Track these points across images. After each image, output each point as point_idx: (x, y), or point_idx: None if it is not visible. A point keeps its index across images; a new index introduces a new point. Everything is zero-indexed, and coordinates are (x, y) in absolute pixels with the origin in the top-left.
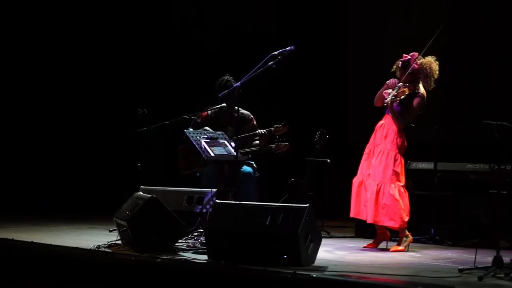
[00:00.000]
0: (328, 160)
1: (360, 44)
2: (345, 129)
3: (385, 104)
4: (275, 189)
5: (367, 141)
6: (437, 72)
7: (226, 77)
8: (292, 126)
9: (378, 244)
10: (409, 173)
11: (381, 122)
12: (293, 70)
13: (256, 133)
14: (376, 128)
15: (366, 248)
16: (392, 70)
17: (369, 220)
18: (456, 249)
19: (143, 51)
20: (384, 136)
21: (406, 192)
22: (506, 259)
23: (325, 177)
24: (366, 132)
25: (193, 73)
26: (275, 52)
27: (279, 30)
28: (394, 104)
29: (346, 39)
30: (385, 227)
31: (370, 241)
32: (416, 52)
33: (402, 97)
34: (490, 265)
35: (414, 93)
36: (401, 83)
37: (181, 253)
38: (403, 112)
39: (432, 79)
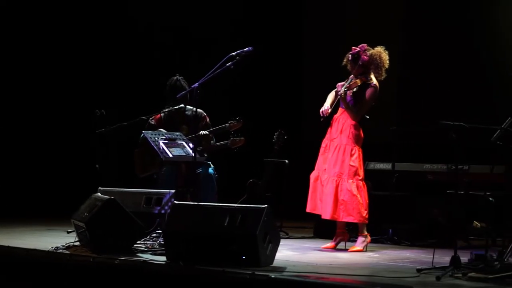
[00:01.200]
0: (287, 161)
1: (317, 44)
2: (302, 129)
3: (339, 96)
4: (234, 189)
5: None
6: (388, 62)
7: (176, 77)
8: (250, 127)
9: (337, 244)
10: (367, 173)
11: (336, 115)
12: (250, 71)
13: (199, 134)
14: (332, 122)
15: (324, 248)
16: (343, 63)
17: (327, 216)
18: (414, 249)
19: (100, 52)
20: (340, 130)
21: (365, 186)
22: (463, 259)
23: (284, 178)
24: (323, 133)
25: (151, 74)
26: (233, 53)
27: (237, 30)
28: (348, 96)
29: (303, 40)
30: (345, 228)
31: (329, 242)
32: (365, 44)
33: (355, 89)
34: (448, 265)
35: (366, 84)
36: (353, 76)
37: (139, 254)
38: (356, 104)
39: (383, 69)
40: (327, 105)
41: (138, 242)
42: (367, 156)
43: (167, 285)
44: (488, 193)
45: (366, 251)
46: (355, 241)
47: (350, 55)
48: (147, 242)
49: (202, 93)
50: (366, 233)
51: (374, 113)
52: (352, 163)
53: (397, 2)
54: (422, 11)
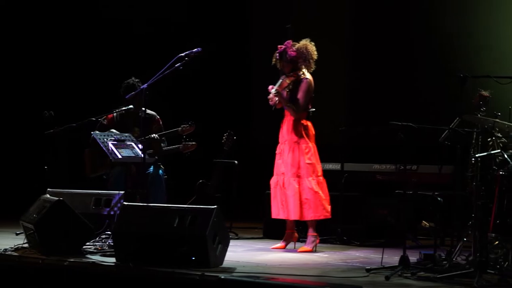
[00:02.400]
0: (236, 162)
1: (265, 46)
2: (251, 130)
3: (269, 100)
4: (183, 190)
5: (273, 142)
6: (315, 53)
7: (132, 79)
8: (200, 128)
9: (287, 245)
10: None
11: (284, 119)
12: (199, 72)
13: (150, 137)
14: (281, 126)
15: (274, 249)
16: (272, 63)
17: (293, 217)
18: (364, 249)
19: (49, 53)
20: (290, 131)
21: (325, 181)
22: (412, 258)
23: (233, 179)
24: (272, 133)
25: (100, 75)
26: (182, 54)
27: (186, 31)
28: (285, 95)
29: (250, 40)
30: (294, 228)
31: (278, 242)
32: (290, 40)
33: (290, 86)
34: (397, 264)
35: (299, 80)
36: (284, 75)
37: (89, 255)
38: (294, 100)
39: (311, 60)
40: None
41: (88, 243)
42: None
43: (117, 287)
44: (436, 193)
45: (315, 251)
46: (305, 241)
47: (277, 54)
48: (97, 243)
49: (152, 95)
50: (315, 233)
51: (323, 114)
52: (308, 161)
53: (345, 2)
54: (370, 11)
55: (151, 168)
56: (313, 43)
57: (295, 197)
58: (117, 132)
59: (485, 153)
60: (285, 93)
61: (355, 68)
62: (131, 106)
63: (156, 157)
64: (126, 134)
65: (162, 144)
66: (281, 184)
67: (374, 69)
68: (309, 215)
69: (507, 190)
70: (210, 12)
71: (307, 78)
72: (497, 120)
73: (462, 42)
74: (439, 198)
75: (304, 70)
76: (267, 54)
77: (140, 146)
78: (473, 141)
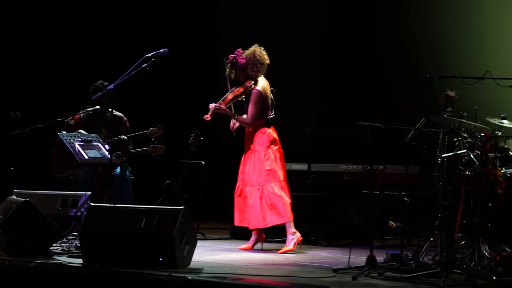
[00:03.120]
0: (203, 162)
1: (232, 46)
2: (219, 131)
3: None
4: (150, 191)
5: (240, 143)
6: (266, 57)
7: (100, 81)
8: (167, 129)
9: (254, 245)
10: None
11: (246, 129)
12: (166, 72)
13: (119, 138)
14: (244, 136)
15: (241, 249)
16: (226, 74)
17: (260, 226)
18: (331, 249)
19: (15, 53)
20: (249, 141)
21: (287, 184)
22: (379, 258)
23: (200, 179)
24: (238, 134)
25: (67, 75)
26: (149, 54)
27: (152, 32)
28: (245, 107)
29: (217, 40)
30: (261, 228)
31: (246, 243)
32: (240, 48)
33: (243, 98)
34: (364, 264)
35: (248, 91)
36: (233, 88)
37: (55, 257)
38: (247, 109)
39: (261, 65)
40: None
41: (54, 244)
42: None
43: None
44: (403, 193)
45: (299, 248)
46: (272, 241)
47: (228, 64)
48: (63, 244)
49: (118, 96)
50: (294, 230)
51: (290, 115)
52: (268, 167)
53: (312, 3)
54: (337, 13)
55: (118, 169)
56: (262, 48)
57: (257, 206)
58: (84, 133)
59: (451, 153)
60: (245, 107)
61: (322, 68)
62: (98, 107)
63: (123, 158)
64: (93, 135)
65: (129, 146)
66: (238, 193)
67: (340, 70)
68: (275, 221)
69: (473, 190)
70: (177, 12)
71: (256, 89)
72: (463, 120)
73: (428, 43)
74: (405, 198)
75: (259, 79)
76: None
77: (107, 147)
78: (439, 141)
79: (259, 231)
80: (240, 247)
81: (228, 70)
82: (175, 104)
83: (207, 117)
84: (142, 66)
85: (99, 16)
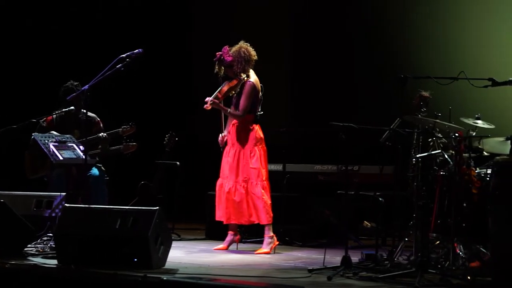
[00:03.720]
0: (178, 163)
1: (205, 46)
2: (193, 131)
3: (206, 107)
4: (125, 192)
5: (215, 143)
6: (253, 53)
7: (70, 82)
8: (141, 129)
9: (229, 245)
10: None
11: (232, 122)
12: (140, 73)
13: (98, 136)
14: (230, 129)
15: (216, 250)
16: (214, 71)
17: (243, 222)
18: (306, 250)
19: None
20: (236, 135)
21: (269, 186)
22: (354, 258)
23: (175, 180)
24: (213, 134)
25: (41, 76)
26: (123, 55)
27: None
28: (233, 103)
29: (191, 41)
30: (237, 229)
31: (221, 243)
32: (226, 45)
33: (237, 90)
34: (338, 264)
35: (242, 83)
36: (226, 81)
37: (30, 258)
38: (239, 103)
39: (247, 61)
40: (222, 135)
41: (29, 245)
42: None
43: None
44: (377, 193)
45: (274, 253)
46: (247, 242)
47: (216, 61)
48: (38, 245)
49: (92, 96)
50: (272, 234)
51: (265, 115)
52: (252, 166)
53: (286, 4)
54: (311, 14)
55: (93, 170)
56: (247, 44)
57: (241, 202)
58: (58, 134)
59: (425, 154)
60: (234, 101)
61: (296, 69)
62: (72, 108)
63: (97, 159)
64: (67, 136)
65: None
66: (225, 188)
67: (315, 70)
68: (255, 220)
69: (448, 190)
70: (150, 12)
71: (250, 81)
72: (438, 120)
73: (402, 43)
74: (380, 199)
75: (251, 73)
76: (207, 55)
77: (81, 147)
78: (414, 142)
79: (235, 231)
80: (215, 247)
81: (216, 68)
82: (149, 105)
83: (208, 107)
84: (117, 66)
85: (72, 17)
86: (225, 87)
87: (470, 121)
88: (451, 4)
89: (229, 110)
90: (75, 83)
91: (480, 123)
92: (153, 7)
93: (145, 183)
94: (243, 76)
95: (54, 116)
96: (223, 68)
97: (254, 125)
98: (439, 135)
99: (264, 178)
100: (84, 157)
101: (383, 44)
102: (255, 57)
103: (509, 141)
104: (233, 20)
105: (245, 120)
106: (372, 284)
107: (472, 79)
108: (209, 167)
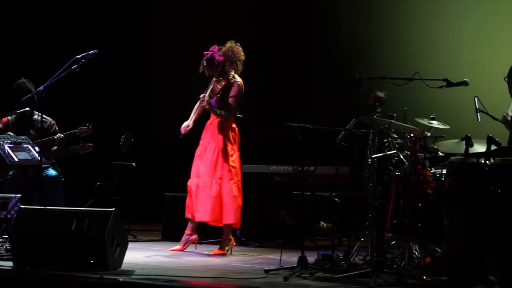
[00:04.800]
0: (134, 164)
1: (161, 47)
2: (149, 132)
3: (205, 106)
4: (81, 193)
5: (171, 144)
6: (242, 53)
7: (21, 80)
8: (97, 130)
9: (186, 246)
10: None
11: (211, 119)
12: (96, 74)
13: (55, 138)
14: (206, 126)
15: (173, 251)
16: (200, 71)
17: (206, 219)
18: (262, 250)
19: None
20: (216, 134)
21: (241, 187)
22: (310, 259)
23: (131, 181)
24: (169, 136)
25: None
26: (79, 56)
27: (82, 33)
28: (213, 102)
29: (146, 41)
30: (195, 230)
31: (177, 244)
32: (215, 45)
33: (219, 91)
34: (295, 265)
35: (229, 84)
36: (214, 81)
37: None
38: (224, 105)
39: (239, 62)
40: (187, 123)
41: None
42: None
43: None
44: (333, 194)
45: (231, 254)
46: (204, 243)
47: (204, 61)
48: None
49: (48, 97)
50: (230, 236)
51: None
52: (232, 164)
53: (242, 5)
54: (268, 16)
55: (48, 171)
56: (238, 44)
57: (216, 199)
58: (14, 135)
59: (381, 154)
60: (214, 99)
61: (252, 70)
62: (27, 109)
63: (52, 160)
64: (23, 137)
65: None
66: (201, 186)
67: (271, 70)
68: (226, 219)
69: (403, 190)
70: (105, 14)
71: (238, 82)
72: (393, 121)
73: (358, 44)
74: (336, 199)
75: (233, 73)
76: (163, 56)
77: (37, 148)
78: (370, 142)
79: (192, 232)
80: (171, 248)
81: (202, 67)
82: (105, 106)
83: (206, 105)
84: (72, 67)
85: (27, 17)
86: (217, 87)
87: (425, 122)
88: (406, 5)
89: (218, 111)
90: (25, 80)
91: (435, 123)
92: (108, 8)
93: (101, 184)
94: (231, 76)
95: (9, 117)
96: (208, 68)
97: (235, 126)
98: (395, 135)
99: (239, 179)
100: (39, 158)
101: (338, 45)
102: (243, 58)
103: (464, 142)
104: (190, 21)
105: (229, 120)
106: (328, 285)
107: (427, 80)
108: (165, 167)
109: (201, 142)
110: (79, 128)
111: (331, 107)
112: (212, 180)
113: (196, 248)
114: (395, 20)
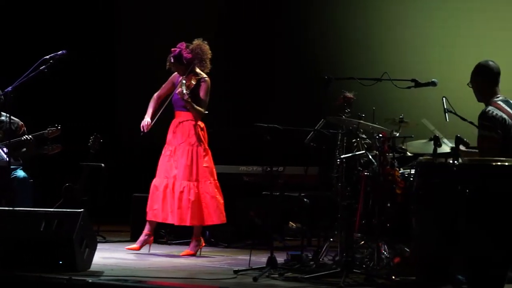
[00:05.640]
0: (103, 165)
1: (130, 48)
2: (117, 133)
3: (187, 100)
4: (50, 194)
5: (140, 145)
6: (210, 52)
7: None
8: (66, 131)
9: (142, 246)
10: None
11: (178, 119)
12: (64, 74)
13: (22, 139)
14: (172, 127)
15: (129, 249)
16: (167, 67)
17: (188, 223)
18: (231, 251)
19: None
20: (186, 134)
21: (218, 185)
22: (280, 259)
23: (100, 182)
24: (138, 137)
25: None
26: (47, 56)
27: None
28: (185, 97)
29: (115, 41)
30: (152, 231)
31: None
32: (182, 42)
33: (188, 89)
34: (264, 265)
35: (198, 81)
36: (184, 78)
37: None
38: (195, 102)
39: (207, 60)
40: (147, 119)
41: None
42: None
43: None
44: (302, 194)
45: (200, 255)
46: (172, 244)
47: (171, 57)
48: None
49: (16, 98)
50: (200, 237)
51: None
52: (205, 164)
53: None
54: (236, 17)
55: (17, 172)
56: (205, 42)
57: (195, 203)
58: None
59: (350, 154)
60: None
61: (220, 70)
62: None
63: (21, 161)
64: None
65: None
66: (171, 188)
67: (239, 71)
68: (207, 221)
69: (372, 190)
70: (75, 14)
71: (206, 79)
72: (361, 121)
73: (326, 44)
74: (305, 199)
75: (199, 71)
76: (131, 56)
77: (5, 149)
78: (338, 142)
79: (150, 233)
80: (128, 247)
81: (168, 63)
82: (73, 107)
83: (188, 99)
84: (40, 68)
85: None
86: (192, 83)
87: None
88: (374, 5)
89: (196, 107)
90: None
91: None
92: (78, 8)
93: (70, 185)
94: (199, 73)
95: None
96: (175, 65)
97: (203, 124)
98: (363, 135)
99: (215, 178)
100: (8, 159)
101: (307, 45)
102: (210, 56)
103: (432, 142)
104: (158, 21)
105: (197, 119)
106: (298, 285)
107: (395, 80)
108: (134, 168)
109: (169, 141)
110: (48, 129)
111: (299, 108)
112: (190, 184)
113: (149, 251)
114: (363, 21)
